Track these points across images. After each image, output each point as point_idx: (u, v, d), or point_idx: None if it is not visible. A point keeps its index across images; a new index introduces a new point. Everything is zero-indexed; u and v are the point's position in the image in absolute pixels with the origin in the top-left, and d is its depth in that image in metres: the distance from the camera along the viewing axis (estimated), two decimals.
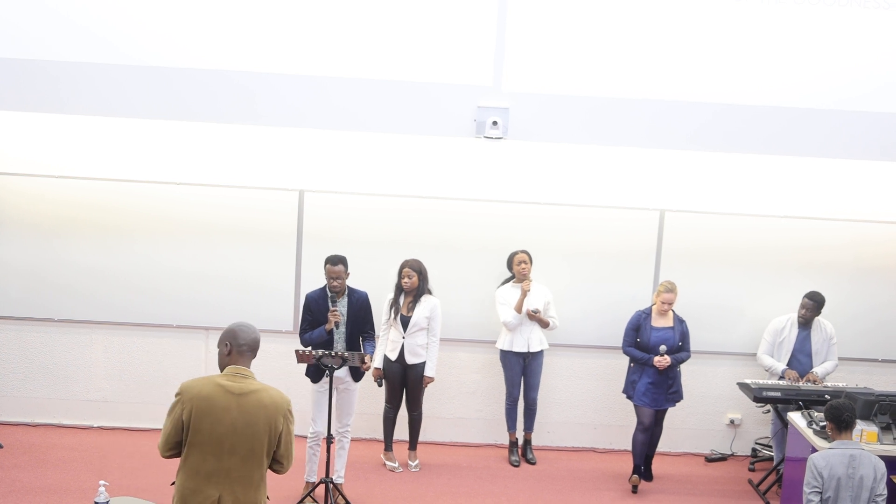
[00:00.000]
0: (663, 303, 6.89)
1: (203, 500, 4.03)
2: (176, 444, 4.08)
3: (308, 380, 6.45)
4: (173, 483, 4.16)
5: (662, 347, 6.83)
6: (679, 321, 6.97)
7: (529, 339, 7.22)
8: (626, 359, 7.04)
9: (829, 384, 7.00)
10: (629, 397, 7.01)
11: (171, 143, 7.37)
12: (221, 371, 4.15)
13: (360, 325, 6.40)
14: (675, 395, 6.97)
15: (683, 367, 7.04)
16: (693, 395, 7.61)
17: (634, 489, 6.94)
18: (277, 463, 4.19)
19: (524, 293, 7.13)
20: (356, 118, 6.86)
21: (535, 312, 7.16)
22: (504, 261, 7.34)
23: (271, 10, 6.69)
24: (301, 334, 6.40)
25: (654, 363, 6.82)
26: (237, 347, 4.13)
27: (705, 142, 6.99)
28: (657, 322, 6.94)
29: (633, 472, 6.97)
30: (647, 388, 6.87)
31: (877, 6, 6.76)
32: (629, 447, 7.26)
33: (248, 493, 4.09)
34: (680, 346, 6.93)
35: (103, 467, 6.74)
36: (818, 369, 7.12)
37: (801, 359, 7.16)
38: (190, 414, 4.00)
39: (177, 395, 4.08)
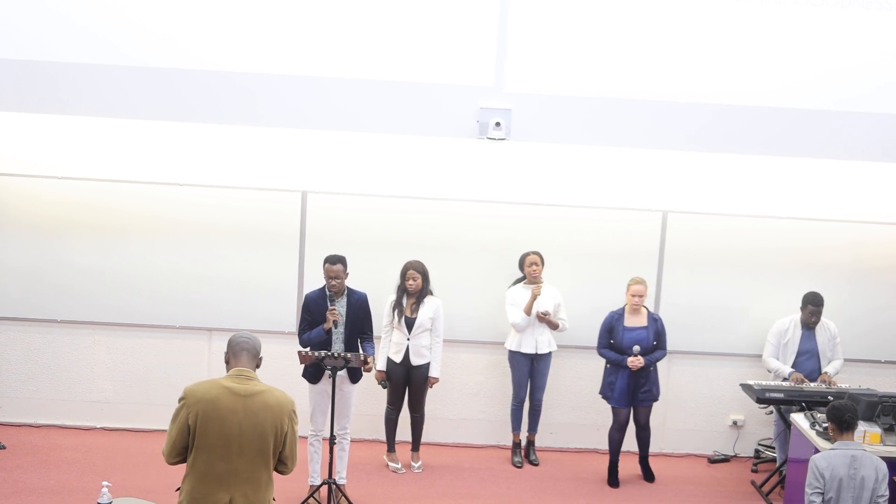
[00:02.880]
0: (633, 295, 6.89)
1: (213, 503, 4.04)
2: (183, 450, 4.07)
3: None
4: (178, 489, 4.15)
5: (636, 348, 6.83)
6: (653, 319, 6.96)
7: (538, 341, 7.20)
8: None
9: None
10: (606, 398, 7.02)
11: (174, 145, 7.36)
12: None
13: (359, 325, 6.40)
14: (647, 395, 6.97)
15: (685, 368, 7.04)
16: (696, 396, 7.60)
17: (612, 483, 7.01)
18: (282, 464, 4.21)
19: (534, 296, 7.11)
20: (358, 119, 6.87)
21: (545, 315, 7.14)
22: (505, 262, 7.34)
23: (272, 11, 6.69)
24: (300, 334, 6.41)
25: (627, 364, 6.82)
26: (232, 350, 4.19)
27: (706, 142, 7.00)
28: (630, 322, 6.93)
29: (609, 469, 7.01)
30: (621, 389, 6.88)
31: (878, 7, 6.76)
32: (632, 448, 7.25)
33: (258, 493, 4.11)
34: (655, 346, 6.92)
35: (106, 468, 6.74)
36: (829, 368, 7.12)
37: (806, 359, 7.15)
38: (196, 417, 4.00)
39: (180, 399, 4.07)
